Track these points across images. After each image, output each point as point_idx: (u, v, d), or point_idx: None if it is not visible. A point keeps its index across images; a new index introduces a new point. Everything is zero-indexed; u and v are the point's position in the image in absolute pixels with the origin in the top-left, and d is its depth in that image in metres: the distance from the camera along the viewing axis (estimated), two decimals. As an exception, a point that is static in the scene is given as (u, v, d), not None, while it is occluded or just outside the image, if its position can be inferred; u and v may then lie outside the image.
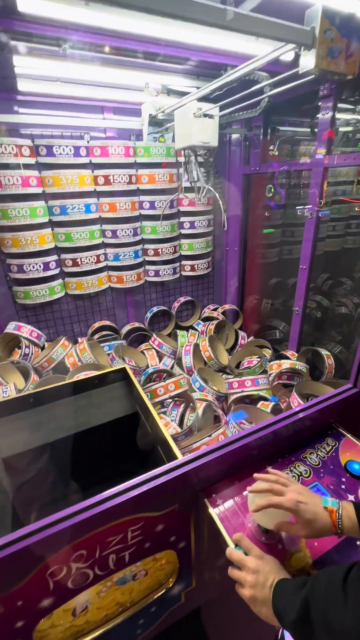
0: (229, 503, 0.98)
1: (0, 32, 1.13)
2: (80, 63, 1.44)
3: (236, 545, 0.81)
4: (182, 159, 2.37)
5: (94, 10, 0.94)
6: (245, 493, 0.99)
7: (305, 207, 2.06)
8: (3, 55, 1.30)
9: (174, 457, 1.08)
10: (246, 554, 0.78)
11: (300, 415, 1.15)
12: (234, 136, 2.48)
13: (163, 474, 0.92)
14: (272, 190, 2.44)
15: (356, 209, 3.44)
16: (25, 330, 2.16)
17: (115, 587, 1.07)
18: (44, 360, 2.02)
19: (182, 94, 1.83)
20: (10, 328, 2.15)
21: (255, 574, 0.73)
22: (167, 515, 0.98)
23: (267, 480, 0.83)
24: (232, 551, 0.78)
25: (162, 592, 1.18)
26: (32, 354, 2.12)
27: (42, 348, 2.27)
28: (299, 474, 1.06)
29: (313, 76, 0.93)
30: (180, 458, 0.99)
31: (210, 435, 1.30)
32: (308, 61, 0.86)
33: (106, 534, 0.88)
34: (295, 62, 1.29)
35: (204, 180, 1.83)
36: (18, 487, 1.33)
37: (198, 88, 1.69)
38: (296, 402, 1.58)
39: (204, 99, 1.62)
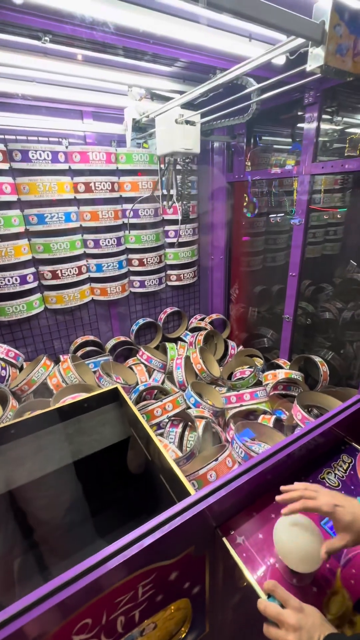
0: (250, 540, 0.87)
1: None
2: (60, 61, 1.34)
3: (269, 595, 0.70)
4: (164, 166, 2.31)
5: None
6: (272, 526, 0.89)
7: (293, 215, 2.04)
8: (-28, 48, 1.17)
9: (184, 492, 0.96)
10: (282, 605, 0.67)
11: (316, 433, 1.07)
12: (218, 144, 2.45)
13: (177, 514, 0.80)
14: (247, 199, 2.44)
15: (324, 216, 3.54)
16: (1, 351, 1.97)
17: (120, 648, 0.92)
18: (23, 383, 1.83)
19: (167, 99, 1.77)
20: (-16, 348, 1.95)
21: (298, 632, 0.62)
22: (181, 561, 0.86)
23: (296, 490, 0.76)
24: (266, 605, 0.67)
25: (173, 646, 1.04)
26: (9, 376, 1.93)
27: (21, 369, 2.08)
28: (320, 498, 0.97)
29: (318, 75, 0.89)
30: (194, 494, 0.87)
31: (217, 460, 1.19)
32: (316, 57, 0.81)
33: (114, 594, 0.74)
34: (285, 67, 1.27)
35: (179, 189, 1.78)
36: (3, 530, 1.16)
37: (183, 92, 1.63)
38: (299, 414, 1.51)
39: (187, 104, 1.56)
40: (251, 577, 0.78)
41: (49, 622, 0.65)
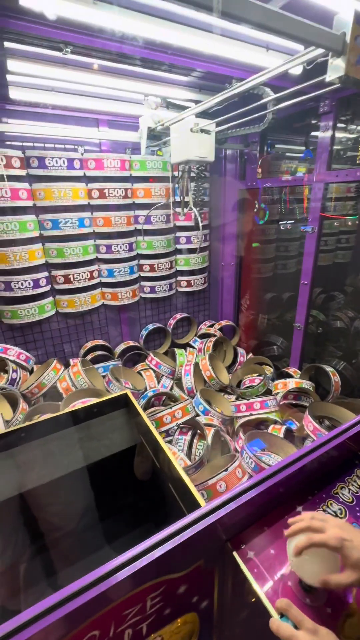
0: (262, 556, 0.85)
1: (-5, 33, 1.04)
2: (79, 71, 1.36)
3: (281, 615, 0.68)
4: (177, 173, 2.33)
5: (101, 9, 0.86)
6: (285, 543, 0.87)
7: (307, 222, 2.03)
8: (-4, 59, 1.21)
9: (194, 503, 0.94)
10: (295, 626, 0.65)
11: (329, 446, 1.05)
12: (231, 151, 2.46)
13: (188, 526, 0.79)
14: (257, 206, 2.44)
15: (335, 224, 3.51)
16: (13, 353, 1.99)
17: (126, 662, 0.91)
18: (33, 386, 1.85)
19: (182, 107, 1.79)
20: (-4, 350, 1.98)
21: None
22: (190, 575, 0.84)
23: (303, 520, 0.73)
24: (279, 625, 0.65)
25: (180, 661, 1.01)
26: (19, 378, 1.94)
27: (31, 372, 2.10)
28: (333, 513, 0.95)
29: (337, 85, 0.88)
30: (204, 505, 0.86)
31: (226, 470, 1.17)
32: (336, 68, 0.81)
33: (123, 606, 0.73)
34: (301, 76, 1.27)
35: (193, 196, 1.79)
36: (10, 537, 1.16)
37: (199, 101, 1.64)
38: (311, 425, 1.48)
39: (202, 113, 1.58)
40: (262, 593, 0.76)
41: (56, 634, 0.64)
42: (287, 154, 2.85)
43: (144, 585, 0.74)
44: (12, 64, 1.26)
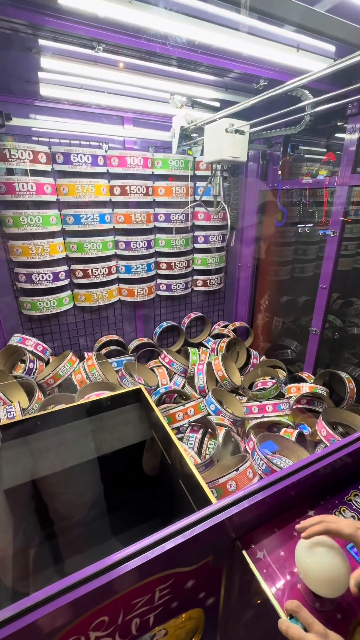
0: (271, 556, 0.85)
1: (29, 29, 1.07)
2: (107, 68, 1.39)
3: (291, 616, 0.67)
4: (200, 172, 2.34)
5: (136, 8, 0.88)
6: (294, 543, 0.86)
7: (327, 226, 2.00)
8: (30, 57, 1.24)
9: (205, 499, 0.95)
10: (305, 629, 0.65)
11: (344, 452, 1.03)
12: (253, 152, 2.45)
13: (199, 522, 0.79)
14: (278, 209, 2.41)
15: (355, 229, 3.42)
16: (30, 344, 2.04)
17: (131, 651, 0.92)
18: (49, 377, 1.89)
19: (208, 107, 1.79)
20: (15, 340, 2.03)
21: None
22: (199, 570, 0.84)
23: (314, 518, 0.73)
24: (289, 626, 0.65)
25: (183, 655, 1.02)
26: (36, 369, 1.99)
27: (47, 362, 2.14)
28: (346, 520, 0.93)
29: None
30: (215, 502, 0.86)
31: (237, 470, 1.17)
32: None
33: (132, 595, 0.74)
34: (332, 77, 1.25)
35: (225, 195, 1.78)
36: (22, 521, 1.19)
37: (225, 101, 1.65)
38: (324, 431, 1.46)
39: (233, 113, 1.57)
40: (271, 594, 0.76)
41: (65, 617, 0.66)
42: (311, 156, 2.81)
43: (154, 576, 0.75)
44: (44, 62, 1.29)
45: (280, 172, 2.38)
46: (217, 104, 1.81)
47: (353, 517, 0.95)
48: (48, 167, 1.90)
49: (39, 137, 1.86)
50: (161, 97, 1.79)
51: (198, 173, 2.35)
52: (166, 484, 1.30)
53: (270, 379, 2.34)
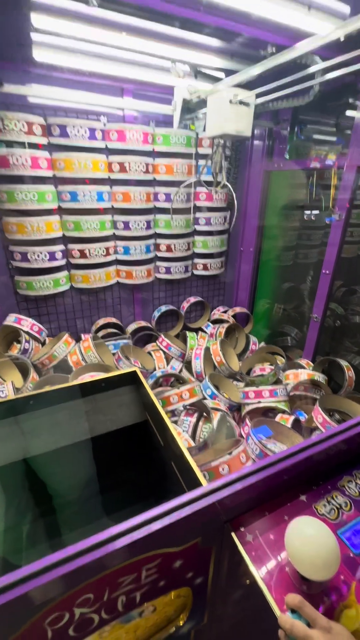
0: (260, 539, 0.84)
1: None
2: (104, 29, 1.29)
3: (292, 611, 0.65)
4: (203, 150, 2.24)
5: None
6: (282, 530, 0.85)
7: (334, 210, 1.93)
8: (21, 14, 1.15)
9: (195, 482, 0.93)
10: (308, 624, 0.62)
11: (339, 438, 1.01)
12: (258, 130, 2.34)
13: (187, 503, 0.78)
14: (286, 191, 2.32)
15: None
16: (26, 324, 2.01)
17: (119, 625, 0.93)
18: (44, 357, 1.87)
19: (212, 77, 1.69)
20: (10, 320, 2.00)
21: None
22: (187, 551, 0.84)
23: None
24: (293, 624, 0.61)
25: (170, 631, 1.04)
26: (32, 349, 1.97)
27: (43, 343, 2.12)
28: (338, 506, 0.92)
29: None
30: (206, 485, 0.85)
31: (231, 453, 1.16)
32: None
33: (118, 574, 0.74)
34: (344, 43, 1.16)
35: (226, 173, 1.70)
36: (13, 499, 1.19)
37: (230, 70, 1.55)
38: (320, 417, 1.44)
39: (238, 84, 1.48)
40: (259, 576, 0.75)
41: (52, 592, 0.65)
42: (318, 137, 2.69)
43: (141, 556, 0.75)
44: (35, 19, 1.20)
45: (288, 153, 2.28)
46: (222, 75, 1.71)
47: (345, 502, 0.94)
48: (44, 140, 1.82)
49: (34, 108, 1.77)
50: (162, 65, 1.69)
51: (201, 151, 2.25)
52: (159, 466, 1.30)
53: (268, 365, 2.32)
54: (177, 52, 1.53)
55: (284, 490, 0.98)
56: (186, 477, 1.04)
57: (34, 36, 1.42)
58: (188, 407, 1.58)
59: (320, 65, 1.08)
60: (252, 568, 0.77)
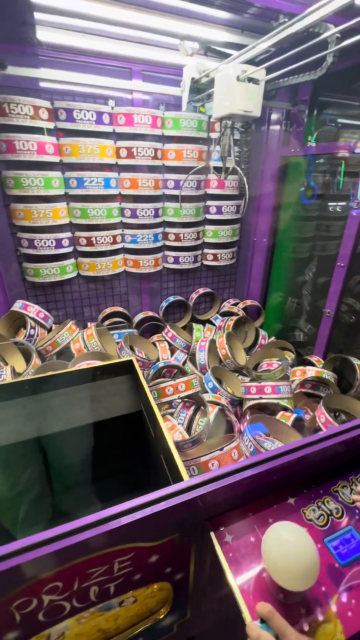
0: (241, 541, 0.80)
1: None
2: (110, 5, 1.24)
3: (262, 620, 0.61)
4: (214, 134, 2.15)
5: None
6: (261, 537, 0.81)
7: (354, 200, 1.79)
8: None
9: (179, 477, 0.90)
10: (277, 637, 0.58)
11: (337, 439, 0.94)
12: (275, 112, 2.21)
13: (163, 498, 0.75)
14: (305, 181, 2.19)
15: None
16: (32, 310, 2.03)
17: (98, 613, 0.92)
18: (48, 344, 1.89)
19: (221, 54, 1.60)
20: (17, 306, 2.03)
21: None
22: (163, 546, 0.81)
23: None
24: (258, 632, 0.57)
25: (151, 623, 1.02)
26: (37, 335, 1.99)
27: (49, 330, 2.14)
28: (329, 512, 0.86)
29: None
30: (186, 480, 0.81)
31: (221, 449, 1.12)
32: None
33: (87, 565, 0.72)
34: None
35: (235, 157, 1.61)
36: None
37: (241, 46, 1.45)
38: (323, 417, 1.37)
39: (249, 62, 1.38)
40: (232, 579, 0.72)
41: (17, 577, 0.64)
42: (343, 121, 2.52)
43: (110, 548, 0.72)
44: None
45: (312, 138, 2.14)
46: (234, 52, 1.61)
47: (337, 509, 0.88)
48: (50, 125, 1.80)
49: (40, 92, 1.75)
50: (171, 43, 1.62)
51: (213, 135, 2.16)
52: (150, 457, 1.28)
53: (276, 360, 2.24)
54: (186, 28, 1.45)
55: (272, 491, 0.93)
56: (172, 470, 1.01)
57: (38, 16, 1.39)
58: (186, 399, 1.55)
59: (333, 30, 0.98)
60: (226, 570, 0.74)
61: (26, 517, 1.29)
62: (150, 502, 0.74)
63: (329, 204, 2.57)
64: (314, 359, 2.20)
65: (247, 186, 1.75)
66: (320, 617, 0.66)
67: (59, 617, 0.78)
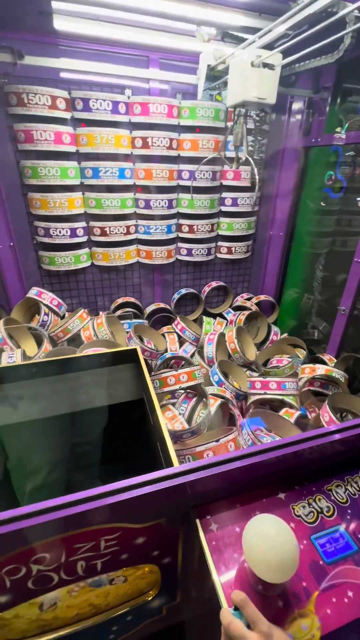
0: (225, 531, 0.80)
1: None
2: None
3: (235, 608, 0.61)
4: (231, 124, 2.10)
5: None
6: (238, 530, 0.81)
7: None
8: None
9: (170, 463, 0.91)
10: (248, 625, 0.58)
11: (335, 437, 0.92)
12: (295, 100, 2.13)
13: (148, 482, 0.76)
14: (333, 175, 2.09)
15: None
16: (46, 297, 2.10)
17: (88, 588, 0.96)
18: (59, 330, 1.94)
19: (239, 39, 1.56)
20: (32, 293, 2.10)
21: None
22: (150, 529, 0.83)
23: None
24: (231, 621, 0.58)
25: (140, 603, 1.05)
26: (50, 322, 2.06)
27: (62, 317, 2.20)
28: (319, 510, 0.85)
29: None
30: (176, 466, 0.82)
31: (217, 441, 1.12)
32: None
33: (72, 540, 0.75)
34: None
35: (249, 147, 1.57)
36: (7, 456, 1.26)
37: (259, 29, 1.40)
38: (327, 416, 1.33)
39: (266, 47, 1.34)
40: (213, 567, 0.72)
41: (5, 545, 0.68)
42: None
43: (96, 526, 0.75)
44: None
45: (340, 128, 2.04)
46: (251, 37, 1.56)
47: (328, 507, 0.86)
48: (67, 115, 1.83)
49: (58, 81, 1.77)
50: (188, 30, 1.59)
51: (230, 125, 2.11)
52: (148, 444, 1.30)
53: (287, 357, 2.20)
54: (202, 12, 1.42)
55: (263, 485, 0.92)
56: (165, 457, 1.02)
57: (55, 4, 1.40)
58: (188, 390, 1.55)
59: (351, 7, 0.92)
60: (208, 557, 0.74)
61: (30, 491, 1.35)
62: (136, 484, 0.75)
63: (358, 198, 2.46)
64: (326, 357, 2.14)
65: (257, 177, 1.70)
66: (298, 612, 0.66)
67: (48, 587, 0.82)
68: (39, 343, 1.90)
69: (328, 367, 1.83)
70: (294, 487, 0.91)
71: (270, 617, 0.64)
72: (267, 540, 0.65)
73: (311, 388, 1.81)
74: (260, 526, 0.68)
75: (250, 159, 1.54)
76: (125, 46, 1.76)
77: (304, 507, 0.85)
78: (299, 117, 2.15)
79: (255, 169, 1.53)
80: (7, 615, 0.89)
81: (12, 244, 2.02)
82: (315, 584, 0.70)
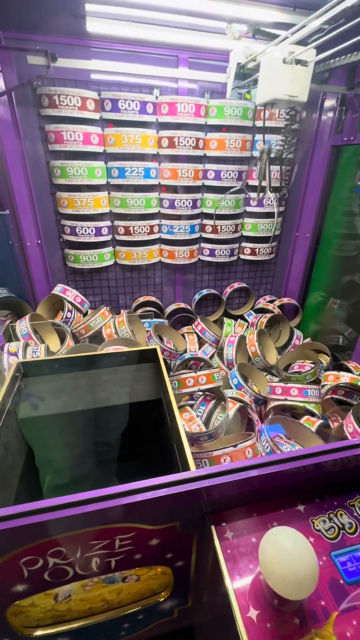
0: (242, 540, 0.78)
1: None
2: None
3: None
4: (260, 123, 2.06)
5: None
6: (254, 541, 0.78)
7: None
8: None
9: (186, 465, 0.91)
10: None
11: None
12: (328, 97, 2.05)
13: (164, 485, 0.76)
14: None
15: None
16: (70, 294, 2.15)
17: (102, 584, 0.98)
18: (81, 327, 1.99)
19: (271, 35, 1.52)
20: (57, 290, 2.16)
21: None
22: (164, 531, 0.83)
23: None
24: None
25: (152, 603, 1.06)
26: (73, 318, 2.11)
27: (85, 314, 2.25)
28: (340, 525, 0.81)
29: None
30: (192, 469, 0.81)
31: (235, 446, 1.10)
32: None
33: (89, 536, 0.76)
34: None
35: (272, 177, 1.53)
36: (26, 452, 1.30)
37: (293, 25, 1.36)
38: (352, 427, 1.28)
39: (299, 43, 1.30)
40: (227, 576, 0.71)
41: (25, 536, 0.70)
42: None
43: (112, 525, 0.76)
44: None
45: None
46: (284, 33, 1.52)
47: (350, 523, 0.82)
48: (96, 115, 1.86)
49: (89, 83, 1.80)
50: (219, 27, 1.56)
51: (259, 124, 2.08)
52: (165, 445, 1.30)
53: (309, 363, 2.13)
54: (234, 9, 1.40)
55: (282, 495, 0.89)
56: (182, 460, 1.02)
57: (88, 7, 1.43)
58: (207, 393, 1.54)
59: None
60: (222, 566, 0.73)
61: (49, 484, 1.39)
62: (152, 486, 0.75)
63: None
64: (351, 365, 2.05)
65: (277, 211, 1.64)
66: (315, 631, 0.63)
67: (64, 580, 0.84)
68: (62, 339, 1.94)
69: (353, 375, 1.75)
70: (314, 499, 0.88)
71: (284, 634, 0.62)
72: (285, 553, 0.63)
73: (334, 396, 1.75)
74: (279, 538, 0.66)
75: (272, 196, 1.52)
76: (154, 46, 1.76)
77: (324, 521, 0.82)
78: (330, 114, 2.08)
79: (275, 200, 1.51)
80: (24, 603, 0.92)
81: (39, 241, 2.08)
82: (334, 604, 0.67)
